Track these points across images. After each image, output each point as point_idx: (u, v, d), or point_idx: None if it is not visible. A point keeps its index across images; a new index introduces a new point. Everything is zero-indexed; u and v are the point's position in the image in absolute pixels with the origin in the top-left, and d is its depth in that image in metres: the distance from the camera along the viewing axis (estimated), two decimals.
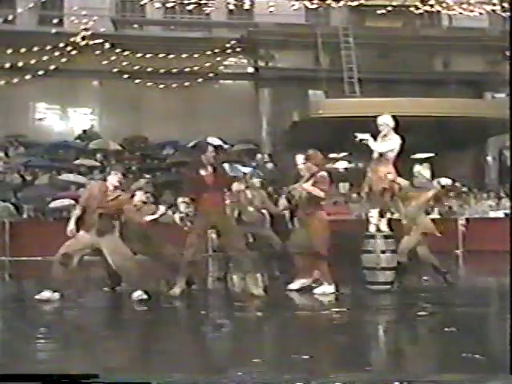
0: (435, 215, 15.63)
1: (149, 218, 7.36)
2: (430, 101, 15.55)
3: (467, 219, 14.50)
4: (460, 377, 3.66)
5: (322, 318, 5.81)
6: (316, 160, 7.57)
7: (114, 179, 6.70)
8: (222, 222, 7.09)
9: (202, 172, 6.99)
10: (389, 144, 7.56)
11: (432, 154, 18.18)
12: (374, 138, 7.63)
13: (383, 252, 7.34)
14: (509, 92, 7.83)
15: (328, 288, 7.10)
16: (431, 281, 8.21)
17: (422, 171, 8.14)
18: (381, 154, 7.55)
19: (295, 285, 7.33)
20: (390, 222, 7.61)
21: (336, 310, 6.01)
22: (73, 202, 12.49)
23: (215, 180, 6.98)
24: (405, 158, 7.95)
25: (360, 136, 7.59)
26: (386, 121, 7.66)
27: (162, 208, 7.88)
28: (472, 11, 18.34)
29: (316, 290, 7.12)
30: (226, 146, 18.40)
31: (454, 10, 18.71)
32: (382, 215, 7.55)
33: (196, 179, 7.03)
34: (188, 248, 6.91)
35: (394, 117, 7.73)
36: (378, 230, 7.48)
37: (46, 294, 6.49)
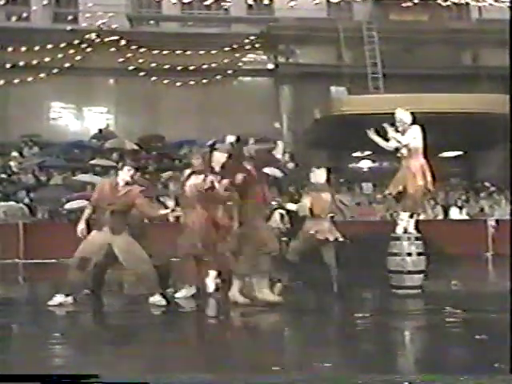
0: (464, 216, 15.45)
1: (161, 212, 7.27)
2: (459, 97, 15.37)
3: (497, 221, 14.27)
4: (461, 377, 3.64)
5: (345, 323, 5.72)
6: (206, 158, 7.22)
7: (125, 174, 6.62)
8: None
9: (246, 165, 6.83)
10: (409, 134, 7.45)
11: (460, 153, 17.97)
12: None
13: (409, 255, 7.24)
14: (509, 91, 7.75)
15: (188, 291, 6.98)
16: (460, 285, 8.09)
17: (317, 175, 7.86)
18: (409, 149, 7.44)
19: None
20: (417, 224, 7.50)
21: (360, 315, 5.91)
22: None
23: (257, 172, 6.84)
24: (432, 157, 7.85)
25: (371, 135, 7.54)
26: (402, 117, 7.57)
27: (171, 204, 7.79)
28: (503, 2, 18.07)
29: (177, 294, 6.96)
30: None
31: (483, 1, 18.48)
32: (411, 216, 7.45)
33: (241, 171, 6.81)
34: (231, 239, 6.72)
35: (412, 113, 7.63)
36: (405, 231, 7.38)
37: (58, 299, 6.47)
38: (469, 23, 19.53)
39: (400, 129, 7.54)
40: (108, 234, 6.46)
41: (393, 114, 7.71)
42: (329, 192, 7.68)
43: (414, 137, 7.44)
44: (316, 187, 7.66)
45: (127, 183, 6.60)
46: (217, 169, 7.22)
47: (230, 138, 19.09)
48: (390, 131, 7.47)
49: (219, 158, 7.28)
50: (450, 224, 14.66)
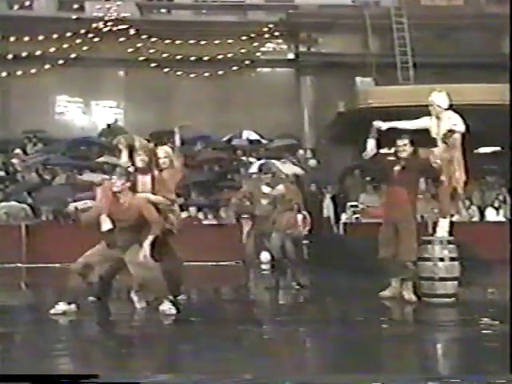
0: (501, 218, 15.24)
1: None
2: (497, 87, 15.13)
3: None
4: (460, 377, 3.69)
5: (371, 334, 5.64)
6: (151, 153, 7.03)
7: (117, 186, 6.52)
8: (402, 221, 7.24)
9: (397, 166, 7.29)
10: (447, 120, 7.33)
11: (498, 149, 17.73)
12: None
13: (442, 260, 7.14)
14: (509, 88, 7.74)
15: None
16: (498, 294, 7.97)
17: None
18: (444, 142, 7.33)
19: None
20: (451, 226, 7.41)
21: (387, 325, 5.84)
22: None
23: (404, 174, 7.23)
24: (467, 153, 7.72)
25: (379, 124, 7.56)
26: (437, 101, 7.45)
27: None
28: None
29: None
30: (263, 141, 18.33)
31: None
32: (444, 216, 7.36)
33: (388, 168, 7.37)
34: (382, 245, 7.28)
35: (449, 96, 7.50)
36: (432, 234, 7.32)
37: (61, 307, 6.47)
38: (508, 7, 19.26)
39: (436, 113, 7.41)
40: (119, 251, 6.48)
41: (424, 106, 7.60)
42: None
43: (454, 123, 7.30)
44: (288, 178, 8.84)
45: (122, 191, 6.51)
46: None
47: (247, 134, 19.03)
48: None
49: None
50: (487, 226, 14.49)
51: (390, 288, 7.45)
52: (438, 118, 7.42)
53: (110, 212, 6.50)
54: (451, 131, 7.24)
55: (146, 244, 6.42)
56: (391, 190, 7.45)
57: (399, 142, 7.37)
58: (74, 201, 14.65)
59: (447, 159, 7.29)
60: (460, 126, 7.29)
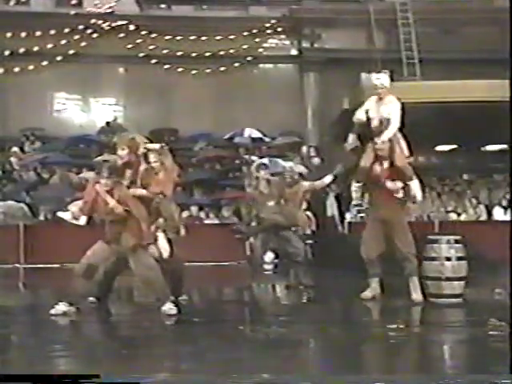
0: (509, 217, 15.23)
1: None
2: (504, 83, 15.12)
3: None
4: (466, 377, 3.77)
5: (376, 335, 5.67)
6: (134, 147, 7.00)
7: (107, 184, 6.58)
8: (393, 218, 7.40)
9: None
10: (390, 102, 7.40)
11: (505, 146, 17.74)
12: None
13: (448, 259, 7.16)
14: (509, 87, 7.81)
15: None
16: (505, 294, 7.98)
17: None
18: (381, 122, 7.43)
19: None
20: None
21: (392, 326, 5.86)
22: None
23: (391, 174, 7.39)
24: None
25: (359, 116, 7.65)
26: (385, 82, 7.56)
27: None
28: None
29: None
30: (266, 139, 18.34)
31: None
32: (410, 179, 7.52)
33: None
34: (364, 243, 7.52)
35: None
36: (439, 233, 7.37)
37: (61, 308, 6.51)
38: None
39: (379, 91, 7.49)
40: (118, 245, 6.52)
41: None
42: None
43: (395, 105, 7.42)
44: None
45: (111, 189, 6.56)
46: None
47: (249, 132, 18.93)
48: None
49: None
50: (494, 225, 14.48)
51: (369, 289, 7.53)
52: (380, 99, 7.53)
53: (96, 210, 6.56)
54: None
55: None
56: (378, 189, 7.57)
57: (377, 140, 7.40)
58: (72, 200, 14.66)
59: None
60: (389, 132, 7.38)
